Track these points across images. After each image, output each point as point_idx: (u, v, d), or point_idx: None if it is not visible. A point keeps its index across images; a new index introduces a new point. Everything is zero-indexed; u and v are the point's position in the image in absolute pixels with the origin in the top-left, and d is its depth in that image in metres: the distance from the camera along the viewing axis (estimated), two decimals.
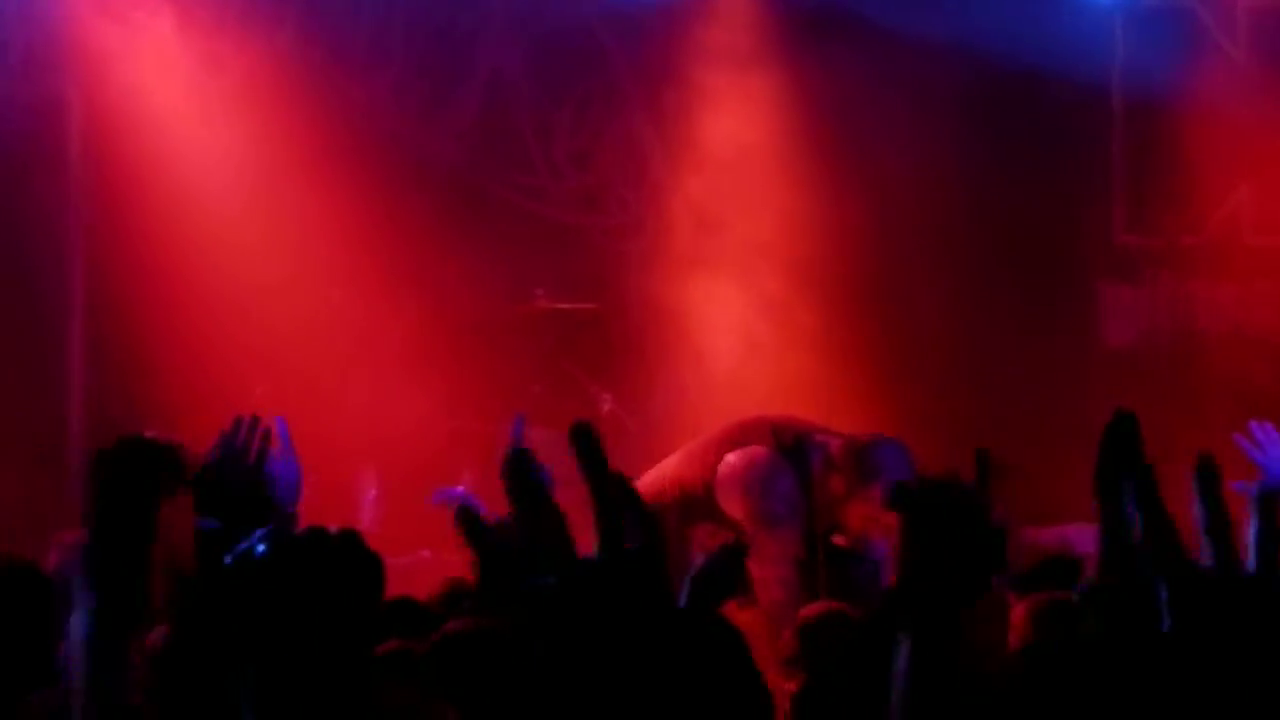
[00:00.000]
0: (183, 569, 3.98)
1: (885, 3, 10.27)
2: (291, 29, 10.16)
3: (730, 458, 7.10)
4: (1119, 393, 9.73)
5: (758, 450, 7.08)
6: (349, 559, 3.16)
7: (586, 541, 4.10)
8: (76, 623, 3.84)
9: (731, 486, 7.03)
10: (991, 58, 10.21)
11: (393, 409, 9.92)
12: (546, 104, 10.54)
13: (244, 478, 4.03)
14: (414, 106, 10.41)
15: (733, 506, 7.04)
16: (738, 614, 4.79)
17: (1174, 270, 10.62)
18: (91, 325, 9.23)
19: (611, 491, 3.00)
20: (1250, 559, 4.24)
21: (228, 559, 3.22)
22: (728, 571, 3.21)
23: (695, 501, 7.12)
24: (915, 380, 10.00)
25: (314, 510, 4.74)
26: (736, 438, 7.23)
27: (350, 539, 3.18)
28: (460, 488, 6.89)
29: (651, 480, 7.17)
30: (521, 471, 3.99)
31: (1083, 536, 5.53)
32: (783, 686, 4.70)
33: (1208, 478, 3.99)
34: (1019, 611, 4.82)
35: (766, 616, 6.51)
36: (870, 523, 6.96)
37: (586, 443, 3.05)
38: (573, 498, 4.54)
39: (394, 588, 3.64)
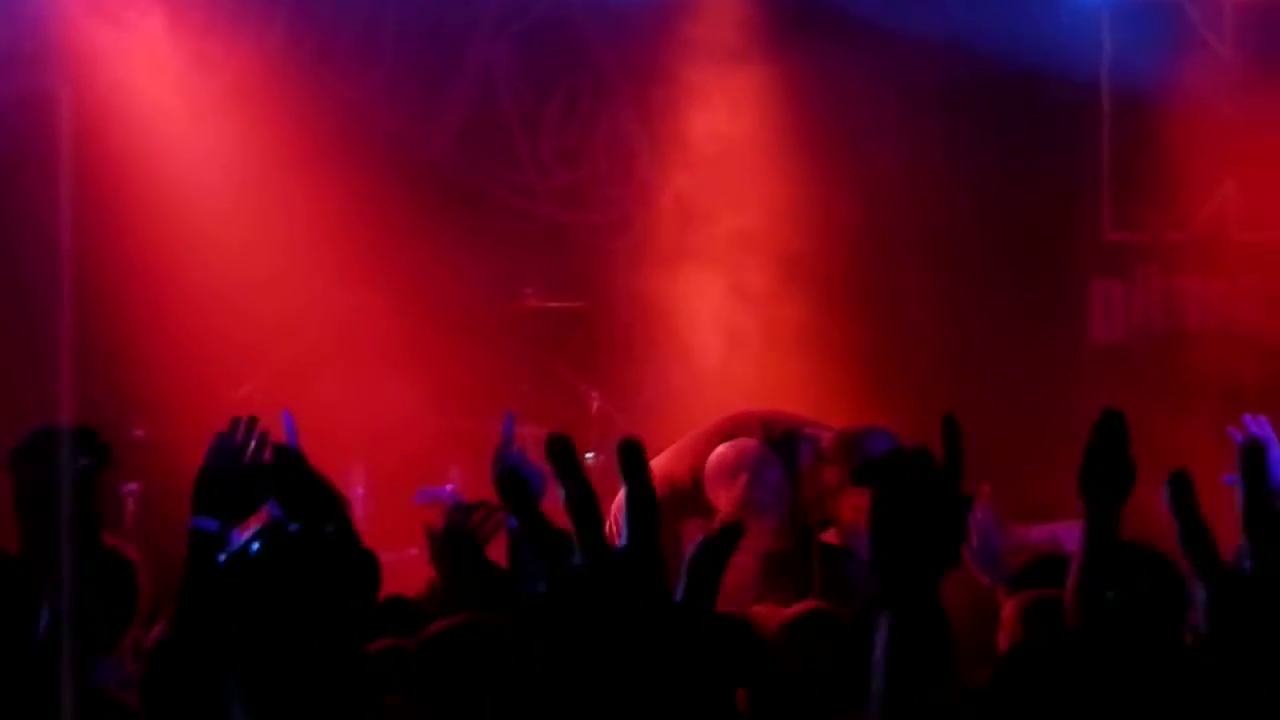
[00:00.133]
0: (175, 568, 3.99)
1: (876, 1, 10.28)
2: (281, 27, 10.15)
3: (720, 448, 7.11)
4: (1107, 389, 9.78)
5: (747, 441, 7.09)
6: (344, 557, 3.16)
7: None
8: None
9: (719, 474, 7.03)
10: (979, 54, 10.22)
11: (380, 406, 9.91)
12: (534, 102, 10.54)
13: (239, 478, 4.03)
14: (403, 105, 10.40)
15: (719, 494, 7.03)
16: None
17: (1162, 266, 10.63)
18: (80, 322, 9.21)
19: (586, 502, 3.00)
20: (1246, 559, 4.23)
21: (222, 557, 3.22)
22: (722, 552, 3.22)
23: (683, 495, 7.12)
24: (904, 376, 10.00)
25: None
26: (726, 431, 7.24)
27: (345, 537, 3.18)
28: (449, 485, 6.90)
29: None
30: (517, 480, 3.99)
31: (1071, 534, 5.54)
32: None
33: (1181, 491, 4.00)
34: (1008, 609, 4.83)
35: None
36: (862, 514, 6.95)
37: (564, 455, 3.06)
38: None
39: (383, 585, 3.64)
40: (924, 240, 10.26)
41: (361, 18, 10.32)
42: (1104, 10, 10.53)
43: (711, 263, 10.24)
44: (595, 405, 9.90)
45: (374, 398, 9.89)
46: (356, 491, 9.47)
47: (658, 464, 7.34)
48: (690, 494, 7.13)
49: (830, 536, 7.14)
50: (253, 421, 4.08)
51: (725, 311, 10.24)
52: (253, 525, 4.16)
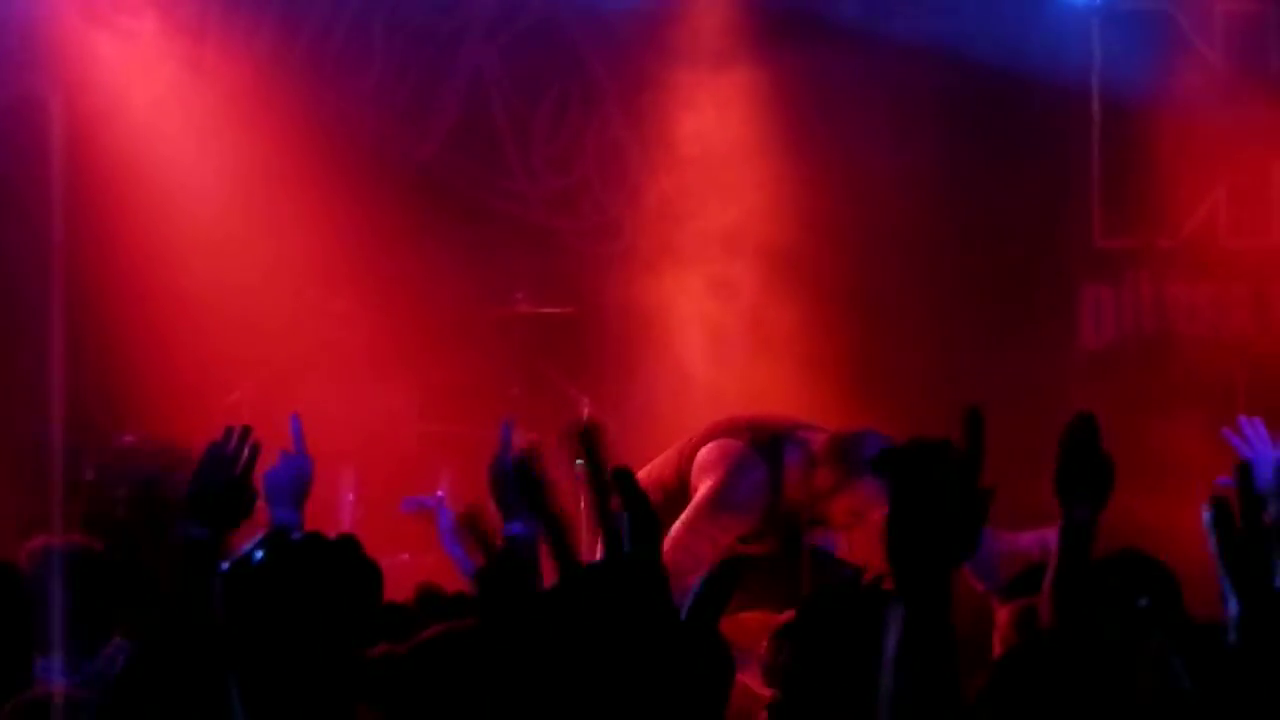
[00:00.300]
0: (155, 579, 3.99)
1: (863, 4, 10.28)
2: (270, 32, 10.15)
3: (707, 446, 7.11)
4: (1097, 395, 9.79)
5: (733, 442, 7.08)
6: (347, 565, 3.16)
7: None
8: None
9: (705, 467, 7.02)
10: (969, 60, 10.23)
11: (370, 411, 9.91)
12: (524, 108, 10.54)
13: (231, 487, 4.04)
14: (392, 110, 10.40)
15: (701, 484, 7.01)
16: None
17: (1152, 273, 10.64)
18: (71, 328, 9.21)
19: (614, 495, 2.99)
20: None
21: (225, 565, 3.22)
22: (728, 586, 3.20)
23: (671, 497, 7.11)
24: (894, 381, 10.01)
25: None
26: (714, 435, 7.23)
27: (348, 545, 3.18)
28: (439, 492, 6.90)
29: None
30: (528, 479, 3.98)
31: None
32: (762, 694, 4.70)
33: (1224, 519, 3.97)
34: (1003, 616, 4.83)
35: None
36: (855, 517, 6.95)
37: (590, 445, 3.04)
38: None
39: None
40: (915, 246, 10.26)
41: (350, 23, 10.32)
42: (1094, 17, 10.54)
43: (702, 268, 10.24)
44: (586, 411, 9.90)
45: (364, 403, 9.89)
46: (346, 497, 9.46)
47: (649, 469, 7.34)
48: (675, 491, 7.12)
49: (819, 539, 7.14)
50: (246, 431, 4.10)
51: (716, 317, 10.24)
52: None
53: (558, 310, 10.21)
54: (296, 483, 4.68)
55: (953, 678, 2.72)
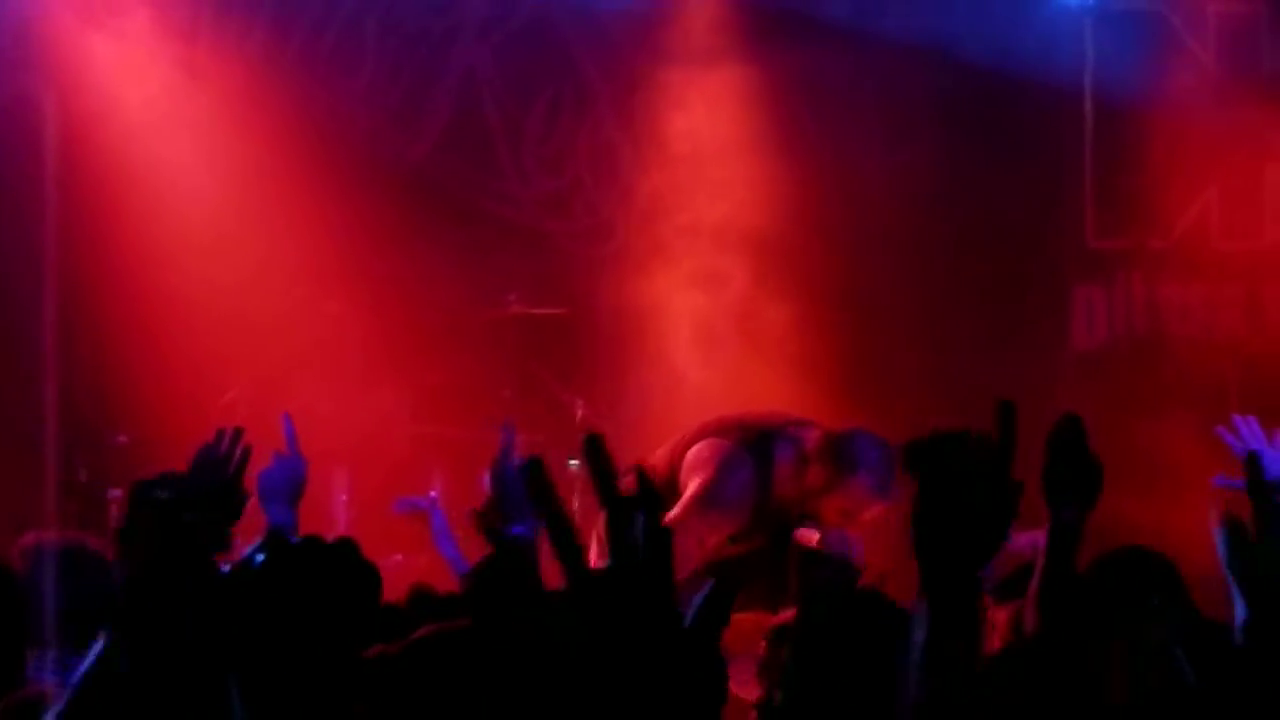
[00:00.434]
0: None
1: (855, 4, 10.29)
2: (263, 32, 10.15)
3: (696, 445, 7.11)
4: (1090, 396, 9.80)
5: (721, 440, 7.08)
6: (346, 568, 3.16)
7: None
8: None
9: (693, 466, 7.01)
10: (961, 60, 10.24)
11: (363, 413, 9.91)
12: (516, 109, 10.54)
13: (223, 488, 4.06)
14: (385, 110, 10.40)
15: (690, 483, 7.00)
16: None
17: (1144, 274, 10.65)
18: (64, 328, 9.21)
19: (621, 503, 2.99)
20: None
21: (225, 568, 3.22)
22: (730, 598, 3.20)
23: (662, 497, 7.10)
24: (887, 382, 10.01)
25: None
26: (705, 434, 7.22)
27: (347, 547, 3.18)
28: (433, 493, 6.90)
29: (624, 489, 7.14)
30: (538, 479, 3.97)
31: None
32: (748, 699, 4.68)
33: (1237, 536, 3.95)
34: (1000, 617, 4.83)
35: None
36: (845, 517, 6.96)
37: (597, 454, 3.04)
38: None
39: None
40: (908, 247, 10.27)
41: (343, 24, 10.32)
42: (1087, 18, 10.55)
43: (694, 269, 10.25)
44: (579, 412, 9.91)
45: (357, 404, 9.89)
46: (339, 498, 9.47)
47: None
48: (668, 497, 7.11)
49: (808, 537, 7.13)
50: (238, 433, 4.11)
51: (708, 318, 10.25)
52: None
53: (550, 311, 10.22)
54: (290, 483, 4.69)
55: (978, 674, 2.69)
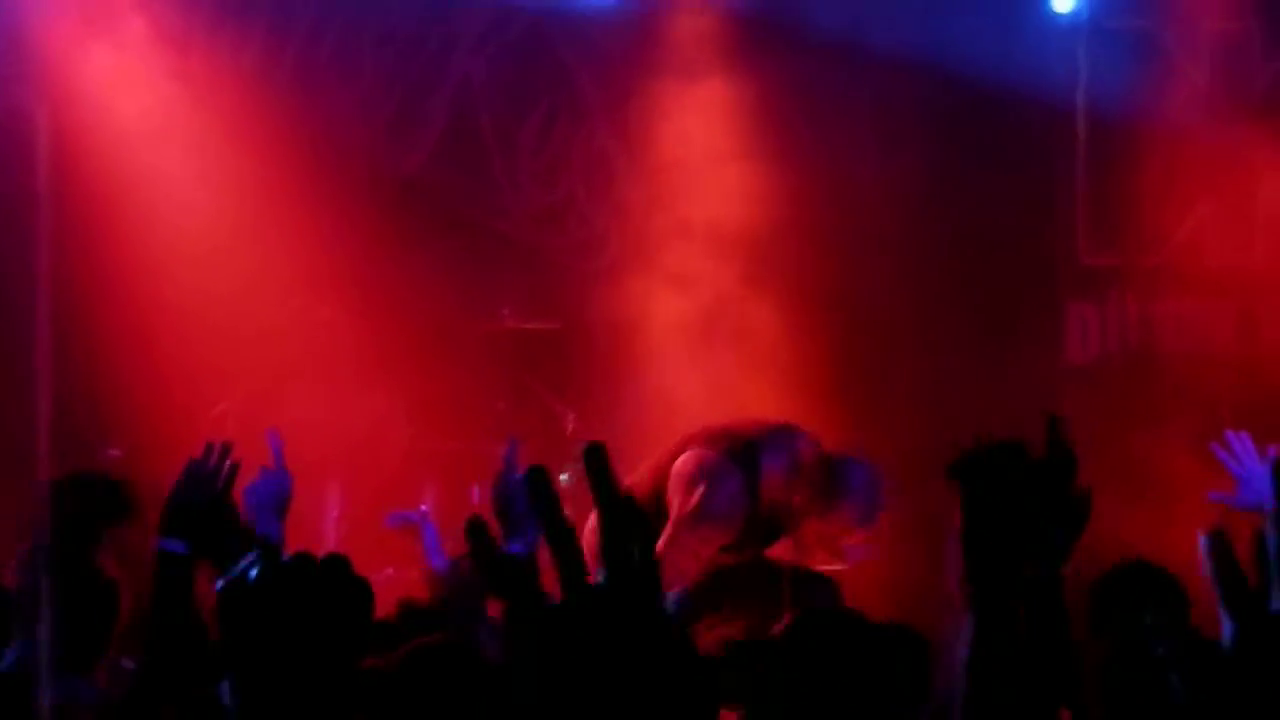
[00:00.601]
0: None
1: (850, 18, 10.30)
2: (258, 43, 10.15)
3: (684, 456, 7.08)
4: (1083, 412, 9.80)
5: (708, 452, 7.06)
6: (338, 586, 3.16)
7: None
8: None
9: (680, 478, 6.99)
10: (954, 76, 10.25)
11: (356, 426, 9.90)
12: (511, 122, 10.55)
13: (210, 503, 4.08)
14: (380, 122, 10.41)
15: (674, 500, 6.98)
16: None
17: (1137, 290, 10.66)
18: (57, 341, 9.19)
19: (621, 515, 2.99)
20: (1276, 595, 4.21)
21: (220, 583, 3.23)
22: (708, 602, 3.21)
23: (648, 508, 7.08)
24: (880, 397, 10.02)
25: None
26: (689, 446, 7.20)
27: (338, 565, 3.19)
28: (424, 507, 6.90)
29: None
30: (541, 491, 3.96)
31: None
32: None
33: (1220, 549, 3.94)
34: None
35: None
36: (822, 542, 6.94)
37: (598, 462, 3.03)
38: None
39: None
40: (901, 264, 10.27)
41: (338, 34, 10.32)
42: (1080, 35, 10.57)
43: (687, 282, 10.25)
44: (571, 425, 9.90)
45: (350, 418, 9.89)
46: (331, 513, 9.46)
47: (628, 482, 7.32)
48: (654, 508, 7.10)
49: (783, 551, 7.11)
50: (226, 448, 4.14)
51: (701, 331, 10.25)
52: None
53: (544, 325, 10.22)
54: (277, 497, 4.70)
55: (1024, 680, 2.67)
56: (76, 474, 4.84)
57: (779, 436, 7.10)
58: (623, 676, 2.77)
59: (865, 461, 6.98)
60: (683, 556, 6.79)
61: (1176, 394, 10.14)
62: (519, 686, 2.85)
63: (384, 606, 5.58)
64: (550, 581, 3.00)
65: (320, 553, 3.25)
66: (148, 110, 9.92)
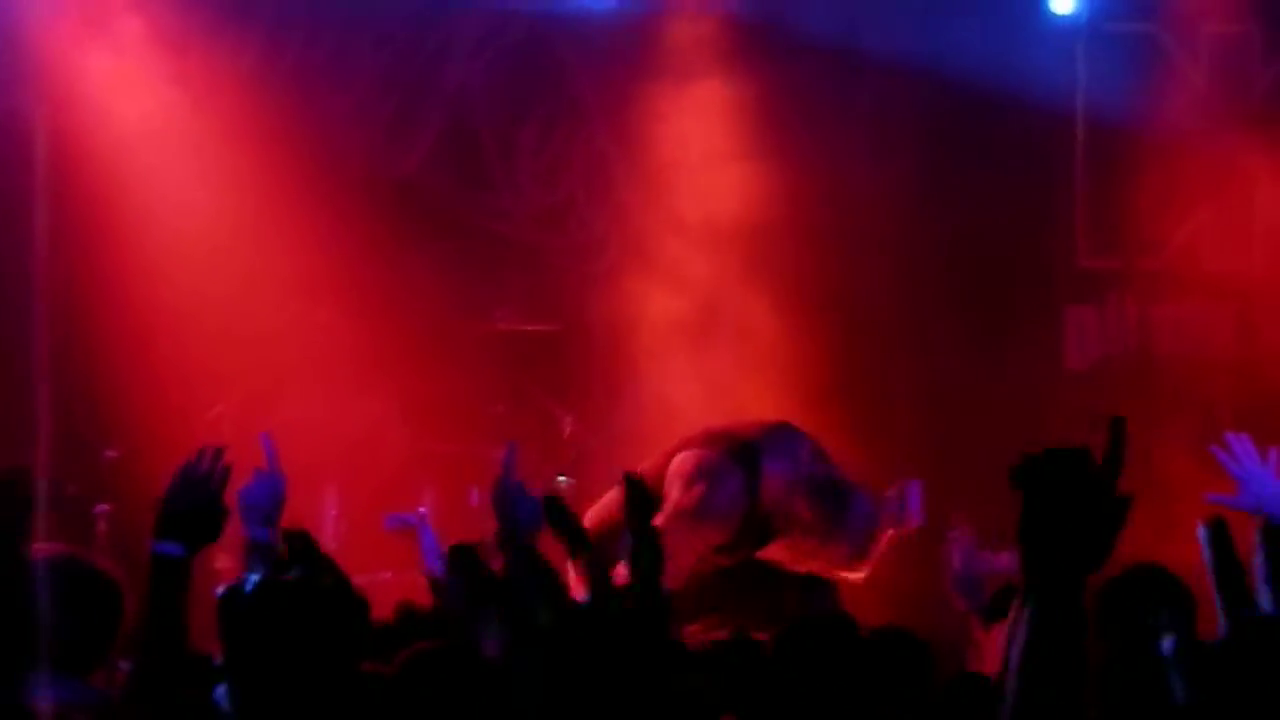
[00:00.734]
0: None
1: (848, 23, 10.30)
2: (257, 47, 10.15)
3: (684, 453, 7.07)
4: (1080, 414, 9.80)
5: (711, 453, 7.04)
6: (334, 600, 3.17)
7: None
8: None
9: (680, 475, 6.97)
10: (953, 79, 10.24)
11: (354, 428, 9.90)
12: (509, 123, 10.54)
13: (204, 505, 4.09)
14: (378, 125, 10.40)
15: (674, 491, 6.95)
16: None
17: (1136, 293, 10.66)
18: (55, 343, 9.20)
19: (652, 537, 3.02)
20: (1264, 597, 4.21)
21: (220, 591, 3.24)
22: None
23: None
24: (879, 402, 10.02)
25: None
26: (689, 446, 7.18)
27: (340, 587, 3.20)
28: (422, 509, 6.89)
29: (610, 500, 7.14)
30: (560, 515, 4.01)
31: None
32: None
33: (1220, 538, 3.93)
34: (995, 638, 4.82)
35: None
36: (795, 556, 6.94)
37: (637, 494, 3.06)
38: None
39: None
40: (900, 266, 10.27)
41: (336, 38, 10.31)
42: (1079, 38, 10.56)
43: (685, 284, 10.24)
44: (568, 428, 9.90)
45: (347, 420, 9.88)
46: (329, 514, 9.45)
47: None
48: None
49: (775, 553, 7.10)
50: (218, 451, 4.15)
51: (699, 334, 10.24)
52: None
53: (542, 327, 10.21)
54: (270, 501, 4.70)
55: (1078, 683, 2.67)
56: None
57: (779, 438, 7.09)
58: (629, 688, 2.79)
59: (866, 493, 6.96)
60: (682, 552, 6.75)
61: (1175, 396, 10.14)
62: (520, 694, 2.87)
63: (382, 609, 5.57)
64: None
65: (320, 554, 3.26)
66: (146, 113, 9.91)
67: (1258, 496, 4.81)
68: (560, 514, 2.98)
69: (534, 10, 10.47)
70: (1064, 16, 10.59)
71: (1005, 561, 6.58)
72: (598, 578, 2.91)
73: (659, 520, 6.72)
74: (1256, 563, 4.26)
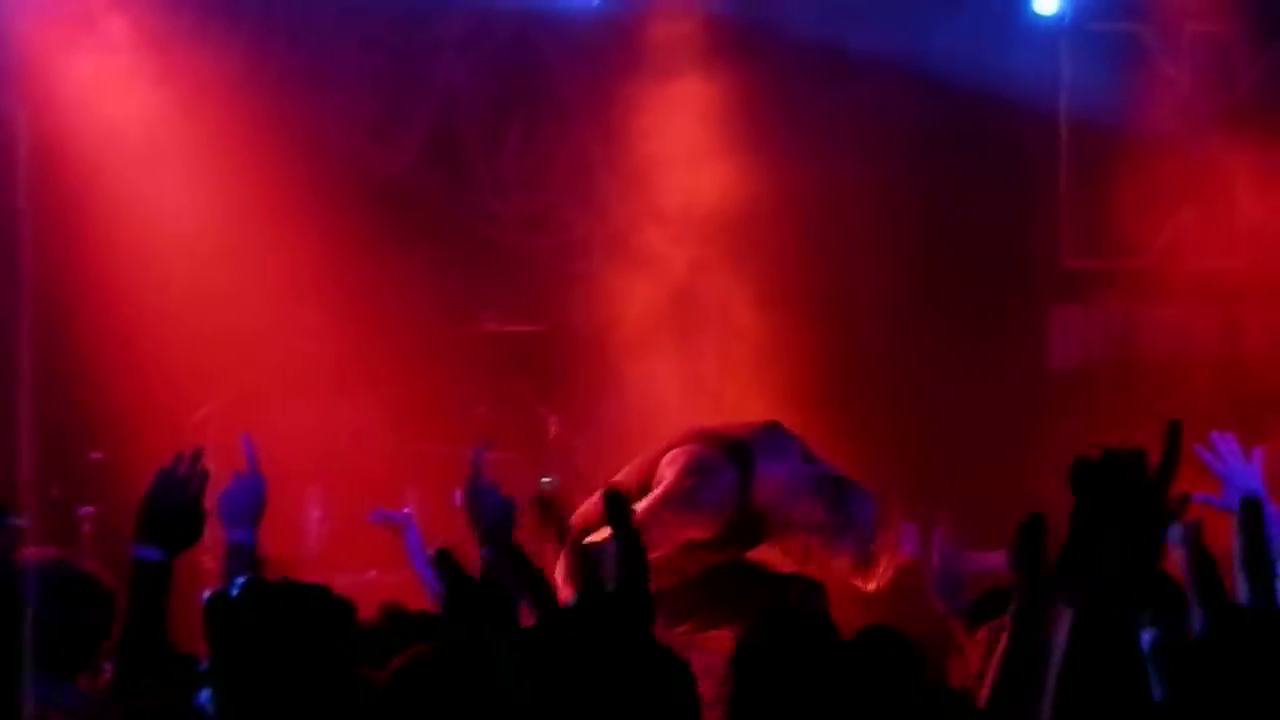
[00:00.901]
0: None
1: (832, 22, 10.30)
2: (242, 47, 10.14)
3: (677, 449, 7.04)
4: (1065, 414, 9.82)
5: (705, 448, 7.03)
6: (318, 605, 3.18)
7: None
8: None
9: (673, 465, 6.94)
10: (936, 79, 10.25)
11: (338, 429, 9.90)
12: (495, 124, 10.54)
13: (182, 509, 4.10)
14: (363, 126, 10.39)
15: (666, 481, 6.92)
16: None
17: (1120, 293, 10.68)
18: (39, 344, 9.18)
19: (638, 557, 3.03)
20: (1241, 586, 4.22)
21: (206, 596, 3.25)
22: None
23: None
24: (864, 402, 10.02)
25: (261, 529, 4.76)
26: (682, 443, 7.17)
27: (322, 594, 3.20)
28: (407, 509, 6.89)
29: (597, 500, 7.13)
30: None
31: None
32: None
33: (1253, 517, 3.93)
34: (979, 638, 4.82)
35: None
36: (795, 557, 6.93)
37: (619, 510, 3.07)
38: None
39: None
40: (883, 264, 10.28)
41: (322, 39, 10.30)
42: (1062, 38, 10.58)
43: (671, 285, 10.25)
44: (553, 429, 9.90)
45: (332, 420, 9.88)
46: (313, 515, 9.45)
47: (614, 480, 7.29)
48: (634, 498, 7.05)
49: (767, 555, 7.10)
50: (197, 454, 4.17)
51: (685, 336, 10.24)
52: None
53: (527, 328, 10.21)
54: (251, 503, 4.69)
55: (1123, 687, 2.67)
56: None
57: (771, 439, 7.07)
58: (616, 690, 2.79)
59: (868, 494, 6.95)
60: (663, 538, 6.72)
61: (1159, 396, 10.15)
62: (506, 694, 2.87)
63: (367, 609, 5.56)
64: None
65: (302, 555, 3.27)
66: (130, 113, 9.90)
67: (1242, 495, 4.81)
68: (547, 514, 3.01)
69: (518, 11, 10.47)
70: (1047, 16, 10.61)
71: (993, 561, 6.57)
72: (589, 576, 2.93)
73: (644, 505, 6.73)
74: (1235, 547, 4.27)
